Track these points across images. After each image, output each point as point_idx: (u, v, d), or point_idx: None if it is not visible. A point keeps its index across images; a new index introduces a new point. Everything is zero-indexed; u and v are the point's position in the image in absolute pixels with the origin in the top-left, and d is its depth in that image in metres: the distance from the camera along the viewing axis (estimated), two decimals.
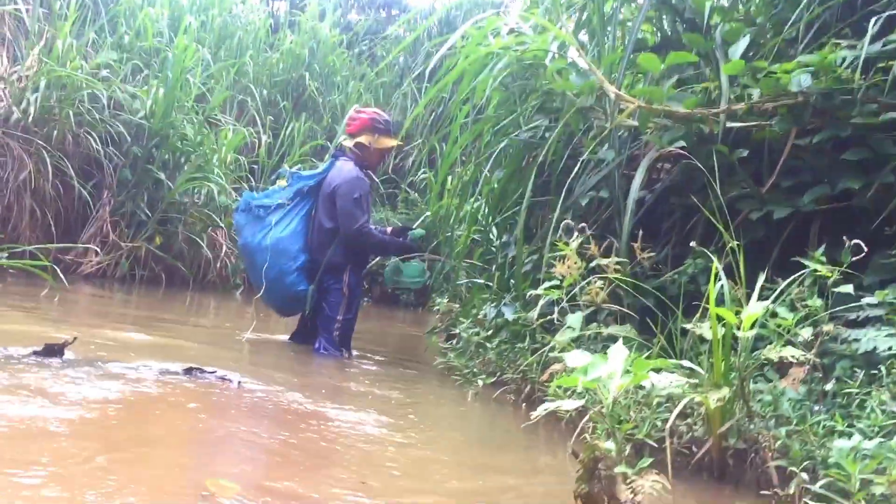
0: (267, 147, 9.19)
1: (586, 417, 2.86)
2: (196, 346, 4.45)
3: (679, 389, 1.99)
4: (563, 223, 3.83)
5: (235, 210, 5.05)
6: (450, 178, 10.24)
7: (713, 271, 2.89)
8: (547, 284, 3.66)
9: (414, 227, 5.47)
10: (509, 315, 5.17)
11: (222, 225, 8.25)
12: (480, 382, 3.92)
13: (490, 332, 4.39)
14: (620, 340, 2.24)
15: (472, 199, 9.57)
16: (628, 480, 1.72)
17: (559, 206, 4.18)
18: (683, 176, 4.32)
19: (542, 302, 3.97)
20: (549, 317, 3.55)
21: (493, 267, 6.13)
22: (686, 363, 2.17)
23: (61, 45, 7.14)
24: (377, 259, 7.22)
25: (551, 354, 3.86)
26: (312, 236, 4.97)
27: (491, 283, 6.75)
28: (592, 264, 3.53)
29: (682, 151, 3.90)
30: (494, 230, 7.56)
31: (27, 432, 2.26)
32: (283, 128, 9.63)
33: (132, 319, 5.36)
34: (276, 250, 4.79)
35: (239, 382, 3.20)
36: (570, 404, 1.92)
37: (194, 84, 8.38)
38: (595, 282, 3.41)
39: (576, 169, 4.25)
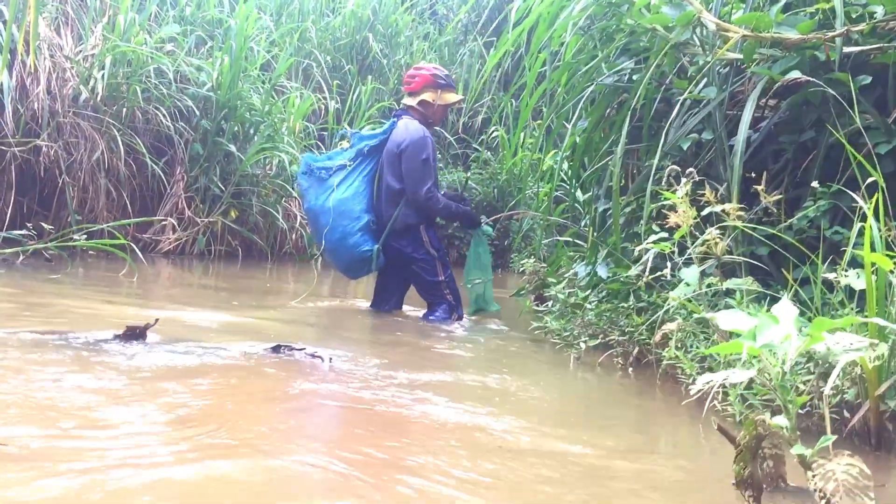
0: (335, 112, 8.98)
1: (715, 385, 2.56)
2: (279, 321, 4.28)
3: (860, 351, 1.67)
4: (668, 169, 3.49)
5: (299, 174, 4.91)
6: (523, 134, 9.95)
7: (857, 211, 2.53)
8: (654, 237, 3.33)
9: (485, 220, 5.21)
10: (603, 273, 4.88)
11: (296, 195, 8.09)
12: (582, 345, 3.64)
13: (588, 293, 4.09)
14: (770, 300, 1.92)
15: (551, 154, 9.22)
16: (815, 464, 1.42)
17: (658, 151, 3.83)
18: (793, 112, 3.94)
19: (647, 257, 3.67)
20: (656, 274, 3.23)
21: (582, 223, 5.82)
22: (878, 320, 1.83)
23: (123, 21, 7.01)
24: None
25: (662, 313, 3.55)
26: (378, 197, 4.84)
27: (579, 241, 6.45)
28: (704, 212, 3.19)
29: (795, 81, 3.52)
30: (577, 185, 7.24)
31: (104, 425, 2.08)
32: (349, 92, 9.40)
33: (213, 296, 5.23)
34: (339, 211, 4.67)
35: (330, 359, 2.99)
36: (739, 375, 1.63)
37: (259, 53, 8.20)
38: (712, 231, 3.08)
39: (675, 111, 3.88)
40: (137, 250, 5.03)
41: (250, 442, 2.03)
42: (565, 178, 6.79)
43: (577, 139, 5.21)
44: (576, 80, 5.16)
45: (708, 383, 1.65)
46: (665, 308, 3.46)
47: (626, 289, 3.94)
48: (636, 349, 3.60)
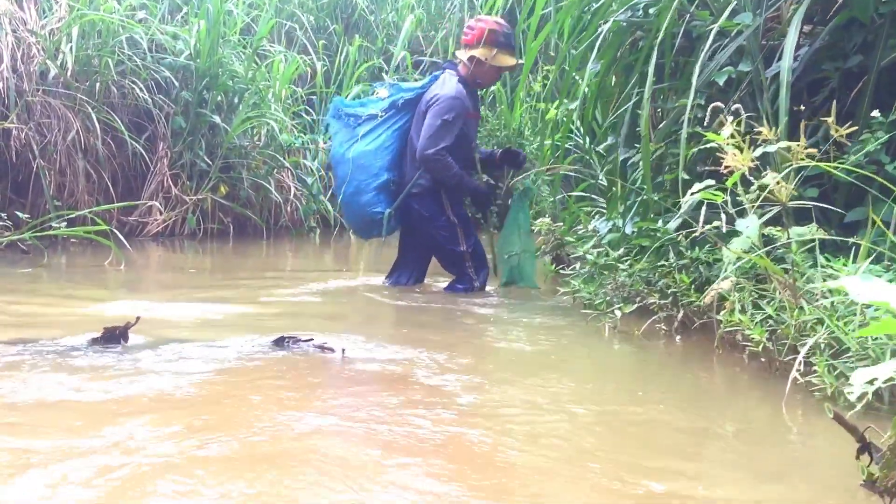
0: (323, 75, 8.50)
1: (798, 360, 2.17)
2: (280, 306, 3.88)
3: None
4: (712, 107, 3.06)
5: (327, 113, 4.51)
6: (525, 85, 9.45)
7: None
8: (701, 185, 2.92)
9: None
10: (629, 228, 4.49)
11: (288, 165, 7.65)
12: (618, 312, 3.25)
13: (619, 252, 3.69)
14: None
15: (556, 104, 8.71)
16: None
17: (692, 87, 3.40)
18: (836, 36, 3.52)
19: (685, 208, 3.27)
20: (707, 227, 2.82)
21: (600, 175, 5.40)
22: None
23: None
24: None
25: (710, 272, 3.16)
26: (406, 155, 4.38)
27: (594, 196, 6.03)
28: (758, 152, 2.78)
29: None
30: (585, 136, 6.81)
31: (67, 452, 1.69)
32: (336, 53, 8.90)
33: (205, 281, 4.83)
34: (357, 164, 4.29)
35: (343, 350, 2.59)
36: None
37: (237, 16, 7.70)
38: (774, 176, 2.66)
39: (708, 42, 3.45)
40: (121, 236, 4.62)
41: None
42: (573, 129, 6.34)
43: (586, 87, 4.79)
44: (585, 21, 4.73)
45: (871, 381, 1.25)
46: (722, 264, 3.06)
47: (664, 245, 3.55)
48: (681, 313, 3.21)
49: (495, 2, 9.88)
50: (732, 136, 2.79)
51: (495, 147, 9.29)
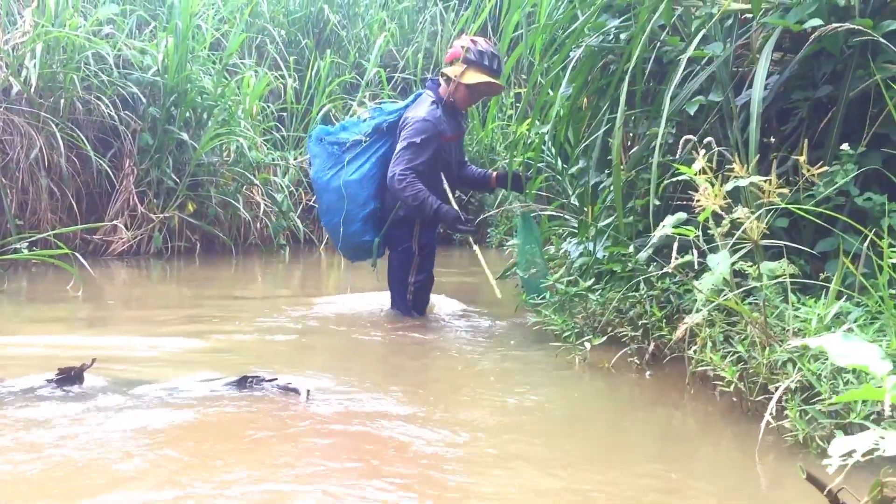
0: (293, 91, 8.41)
1: (770, 406, 2.13)
2: (248, 336, 3.79)
3: None
4: (683, 140, 3.04)
5: (308, 138, 4.46)
6: (498, 104, 9.43)
7: None
8: (671, 219, 2.89)
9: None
10: (599, 252, 4.46)
11: (257, 182, 7.56)
12: (587, 345, 3.21)
13: (591, 282, 3.65)
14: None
15: (527, 123, 8.71)
16: None
17: (663, 116, 3.38)
18: (803, 66, 3.52)
19: (653, 240, 3.24)
20: (679, 261, 2.79)
21: (571, 197, 5.38)
22: None
23: (54, 3, 6.37)
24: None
25: (681, 303, 3.14)
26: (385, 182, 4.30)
27: (566, 215, 6.01)
28: (729, 186, 2.75)
29: (812, 29, 3.11)
30: (557, 157, 6.79)
31: None
32: (307, 69, 8.82)
33: (170, 306, 4.72)
34: (344, 194, 4.22)
35: (308, 391, 2.52)
36: (893, 442, 1.17)
37: (207, 31, 7.60)
38: (742, 211, 2.64)
39: (680, 70, 3.43)
40: (82, 259, 4.49)
41: None
42: (545, 149, 6.32)
43: (559, 108, 4.76)
44: (559, 43, 4.71)
45: (845, 456, 1.20)
46: (692, 299, 3.03)
47: (636, 275, 3.52)
48: (651, 345, 3.18)
49: (464, 18, 9.87)
50: (703, 171, 2.77)
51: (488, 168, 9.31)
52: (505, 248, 9.17)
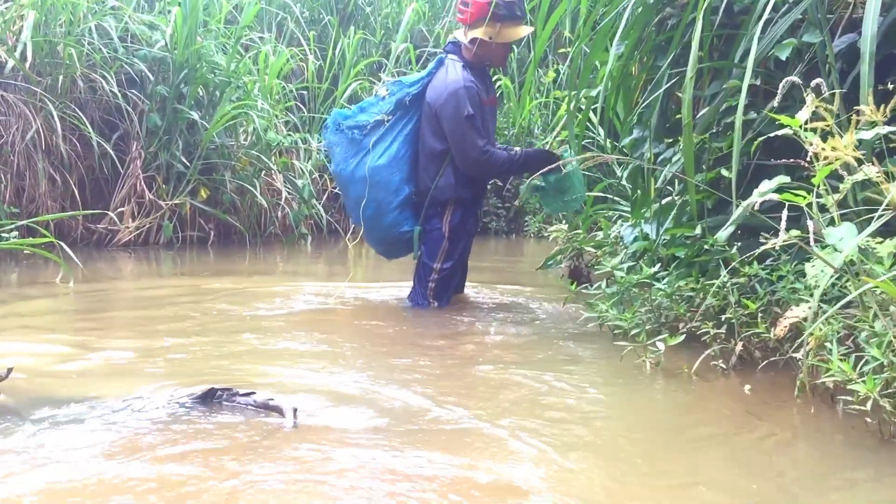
0: (315, 69, 7.83)
1: None
2: (232, 334, 3.21)
3: None
4: (784, 81, 2.39)
5: (324, 129, 3.88)
6: (534, 78, 8.76)
7: None
8: (773, 181, 2.23)
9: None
10: (653, 234, 3.83)
11: (275, 167, 6.99)
12: (661, 345, 2.57)
13: (656, 268, 3.01)
14: None
15: (569, 96, 8.00)
16: None
17: (750, 62, 2.72)
18: None
19: (739, 211, 2.61)
20: (784, 238, 2.13)
21: (624, 175, 4.73)
22: None
23: None
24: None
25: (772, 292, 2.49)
26: (420, 160, 3.75)
27: (616, 198, 5.37)
28: (869, 135, 2.10)
29: None
30: (601, 130, 6.14)
31: None
32: (330, 47, 8.23)
33: (169, 299, 4.15)
34: (373, 182, 3.65)
35: (295, 413, 1.91)
36: None
37: (221, 2, 7.04)
38: (877, 172, 1.98)
39: (768, 6, 2.77)
40: (66, 248, 3.94)
41: None
42: (591, 123, 5.67)
43: (612, 68, 4.13)
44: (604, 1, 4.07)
45: None
46: (789, 288, 2.39)
47: (712, 259, 2.87)
48: (739, 345, 2.53)
49: None
50: (819, 118, 2.12)
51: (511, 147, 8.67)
52: (544, 236, 8.55)
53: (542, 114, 8.94)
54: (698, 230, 3.47)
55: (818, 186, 2.13)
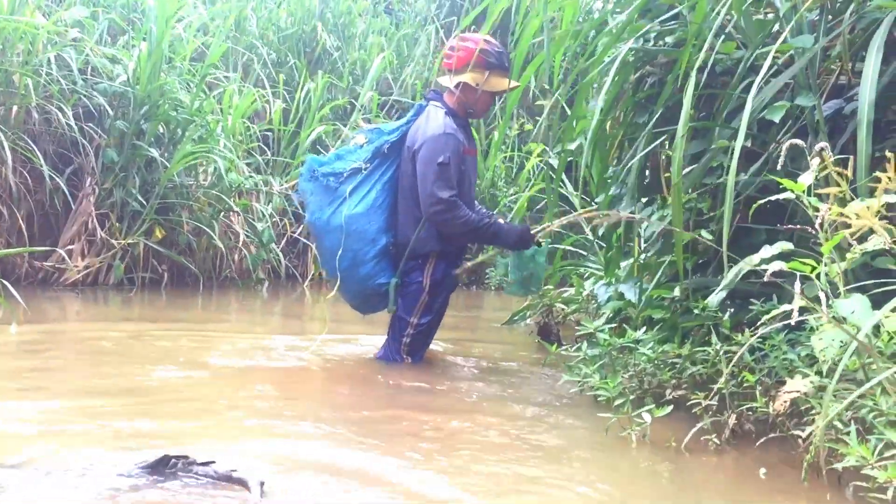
0: (281, 112, 7.68)
1: None
2: (208, 387, 3.00)
3: None
4: (787, 144, 2.30)
5: (300, 176, 3.67)
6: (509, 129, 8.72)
7: None
8: (774, 247, 2.12)
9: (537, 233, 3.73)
10: (631, 294, 3.74)
11: (236, 209, 6.78)
12: (647, 416, 2.42)
13: (644, 331, 2.88)
14: None
15: (538, 150, 7.98)
16: None
17: (742, 124, 2.64)
18: None
19: (732, 275, 2.51)
20: (792, 306, 2.01)
21: (599, 232, 4.65)
22: None
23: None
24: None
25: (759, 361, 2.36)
26: (400, 210, 3.59)
27: (584, 252, 5.29)
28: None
29: None
30: (569, 184, 6.08)
31: None
32: (296, 89, 8.10)
33: (116, 345, 3.90)
34: (349, 231, 3.46)
35: (262, 486, 1.71)
36: None
37: (187, 40, 6.88)
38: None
39: (762, 73, 2.71)
40: (10, 288, 3.69)
41: None
42: (556, 178, 5.59)
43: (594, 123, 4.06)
44: (589, 52, 4.02)
45: None
46: (782, 358, 2.27)
47: (702, 323, 2.76)
48: (732, 418, 2.40)
49: (466, 20, 9.26)
50: (829, 183, 2.03)
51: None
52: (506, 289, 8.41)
53: (506, 167, 8.89)
54: (677, 292, 3.38)
55: (826, 255, 2.02)
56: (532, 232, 3.63)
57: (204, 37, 7.44)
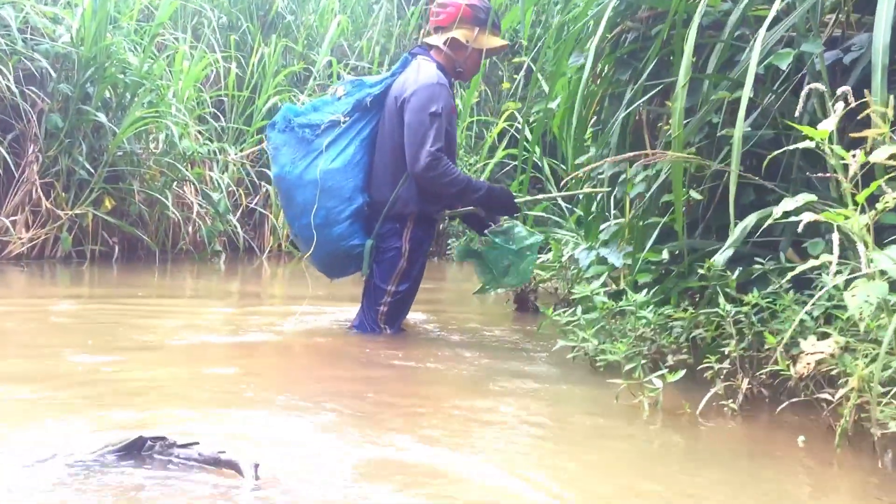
0: (234, 78, 7.34)
1: None
2: (171, 364, 2.77)
3: None
4: (809, 88, 2.15)
5: (269, 127, 3.39)
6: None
7: None
8: (796, 199, 1.97)
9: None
10: (616, 260, 3.59)
11: (190, 177, 6.47)
12: (657, 382, 2.26)
13: (646, 293, 2.73)
14: None
15: (506, 112, 7.78)
16: None
17: (750, 72, 2.48)
18: None
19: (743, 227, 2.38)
20: (830, 259, 1.86)
21: (579, 196, 4.48)
22: None
23: None
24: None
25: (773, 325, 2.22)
26: (378, 168, 3.35)
27: (556, 217, 5.15)
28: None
29: None
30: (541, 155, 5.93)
31: None
32: (250, 54, 7.75)
33: (67, 321, 3.64)
34: (324, 188, 3.22)
35: (256, 469, 1.50)
36: None
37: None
38: None
39: (768, 21, 2.55)
40: None
41: None
42: (532, 141, 5.43)
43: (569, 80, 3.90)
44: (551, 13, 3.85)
45: None
46: (789, 319, 2.13)
47: (701, 285, 2.60)
48: (745, 382, 2.26)
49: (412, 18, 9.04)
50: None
51: None
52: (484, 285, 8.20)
53: (465, 135, 8.69)
54: (665, 254, 3.24)
55: (858, 205, 1.87)
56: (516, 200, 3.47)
57: None
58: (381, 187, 3.32)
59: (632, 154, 2.70)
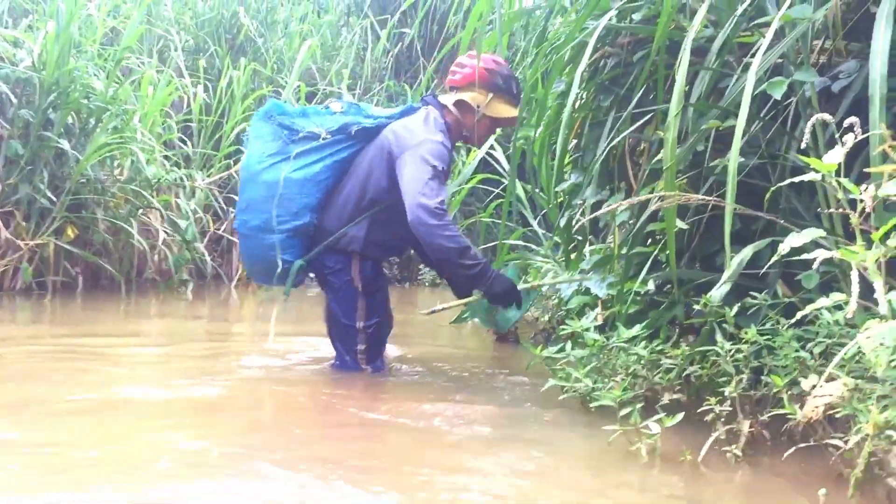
0: (202, 102, 7.18)
1: None
2: (137, 414, 2.60)
3: None
4: (815, 119, 2.07)
5: (255, 114, 3.28)
6: None
7: None
8: (804, 235, 1.88)
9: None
10: (599, 291, 3.50)
11: (156, 204, 6.28)
12: (654, 427, 2.15)
13: (636, 330, 2.62)
14: None
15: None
16: None
17: (745, 101, 2.40)
18: None
19: (735, 269, 2.30)
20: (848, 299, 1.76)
21: (558, 223, 4.38)
22: None
23: None
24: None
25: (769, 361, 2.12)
26: (338, 196, 3.21)
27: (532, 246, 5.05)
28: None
29: None
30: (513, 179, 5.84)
31: None
32: (218, 78, 7.60)
33: (24, 360, 3.44)
34: (277, 194, 3.11)
35: None
36: None
37: (99, 20, 6.34)
38: None
39: (763, 44, 2.49)
40: None
41: None
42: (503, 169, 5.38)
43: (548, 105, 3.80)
44: (538, 32, 3.76)
45: None
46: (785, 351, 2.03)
47: (706, 321, 2.50)
48: (747, 425, 2.16)
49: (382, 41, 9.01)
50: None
51: None
52: (439, 283, 8.10)
53: None
54: (651, 286, 3.15)
55: (870, 242, 1.79)
56: (519, 288, 3.31)
57: (115, 20, 6.90)
58: (334, 217, 3.18)
59: (641, 198, 2.57)
